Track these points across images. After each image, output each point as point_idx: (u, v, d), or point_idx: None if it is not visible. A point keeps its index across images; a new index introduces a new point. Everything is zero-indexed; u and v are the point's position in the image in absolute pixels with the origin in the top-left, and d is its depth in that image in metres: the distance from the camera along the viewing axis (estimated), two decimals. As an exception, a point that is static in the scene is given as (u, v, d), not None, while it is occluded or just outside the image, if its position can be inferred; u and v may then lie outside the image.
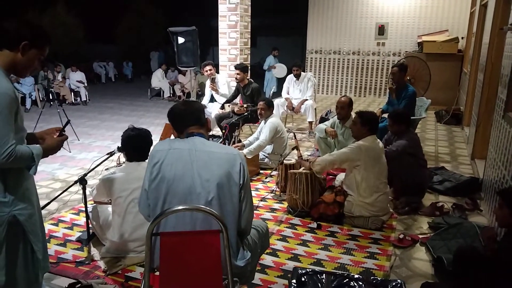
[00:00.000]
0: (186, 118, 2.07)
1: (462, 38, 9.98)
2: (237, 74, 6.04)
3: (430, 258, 3.01)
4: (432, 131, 7.46)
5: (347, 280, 2.46)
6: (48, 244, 2.52)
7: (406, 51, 10.75)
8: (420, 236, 3.32)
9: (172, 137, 2.32)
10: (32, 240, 1.91)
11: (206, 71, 6.40)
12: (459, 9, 10.34)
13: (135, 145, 3.01)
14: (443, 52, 9.56)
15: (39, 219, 2.01)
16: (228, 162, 1.95)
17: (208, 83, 6.68)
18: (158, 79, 12.63)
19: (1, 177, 1.79)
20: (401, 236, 3.27)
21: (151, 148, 2.03)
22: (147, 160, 2.07)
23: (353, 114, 4.71)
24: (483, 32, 6.37)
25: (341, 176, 3.98)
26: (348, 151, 3.53)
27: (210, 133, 5.16)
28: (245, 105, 5.91)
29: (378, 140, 3.62)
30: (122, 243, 2.86)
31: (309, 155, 5.46)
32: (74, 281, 2.57)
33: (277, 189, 4.30)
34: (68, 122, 2.26)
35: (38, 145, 1.90)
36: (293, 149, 4.45)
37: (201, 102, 6.28)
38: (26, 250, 1.92)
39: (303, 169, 3.83)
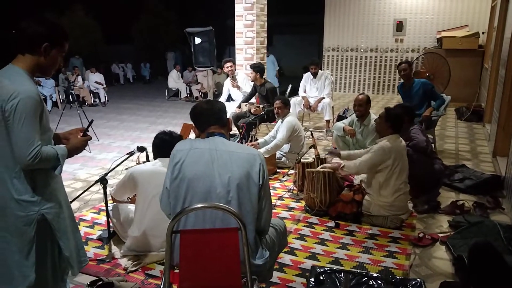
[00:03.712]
0: (208, 118, 2.09)
1: (483, 33, 9.76)
2: (250, 73, 6.08)
3: (451, 257, 2.97)
4: (452, 128, 7.34)
5: (365, 278, 2.45)
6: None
7: (425, 47, 10.58)
8: (440, 235, 3.28)
9: (192, 135, 2.34)
10: (59, 237, 1.95)
11: (227, 67, 6.45)
12: (479, 3, 10.11)
13: (165, 148, 3.04)
14: (463, 47, 9.37)
15: (69, 216, 2.04)
16: (248, 162, 1.97)
17: (227, 82, 6.71)
18: (174, 80, 12.76)
19: (30, 177, 1.84)
20: (421, 235, 3.23)
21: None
22: None
23: (371, 112, 4.70)
24: (505, 26, 6.23)
25: (359, 176, 3.95)
26: (373, 157, 3.43)
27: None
28: (261, 106, 5.92)
29: (401, 138, 3.57)
30: (142, 238, 2.89)
31: (327, 154, 5.42)
32: (95, 278, 2.62)
33: (295, 188, 4.30)
34: (91, 122, 2.29)
35: (63, 145, 1.94)
36: (310, 147, 4.44)
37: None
38: (53, 248, 1.97)
39: (321, 167, 3.83)
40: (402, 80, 5.61)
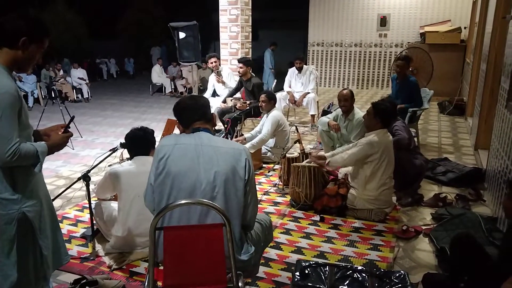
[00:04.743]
0: (192, 113, 2.07)
1: (465, 28, 9.90)
2: (240, 67, 6.03)
3: (434, 249, 3.01)
4: (435, 122, 7.44)
5: (350, 271, 2.47)
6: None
7: (408, 42, 10.68)
8: (423, 227, 3.33)
9: (177, 131, 2.32)
10: (39, 236, 1.91)
11: (211, 63, 6.41)
12: (461, -2, 10.27)
13: (138, 143, 3.02)
14: (445, 42, 9.49)
15: (49, 214, 2.01)
16: (233, 157, 1.96)
17: (212, 77, 6.67)
18: (158, 75, 12.64)
19: (10, 175, 1.79)
20: (405, 227, 3.27)
21: (157, 143, 2.03)
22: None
23: (355, 106, 4.73)
24: (486, 22, 6.32)
25: (344, 169, 3.97)
26: (360, 151, 3.44)
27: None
28: (247, 102, 5.90)
29: (388, 133, 3.59)
30: (127, 238, 2.87)
31: (312, 149, 5.46)
32: (79, 276, 2.59)
33: (280, 183, 4.30)
34: (72, 118, 2.24)
35: (43, 142, 1.90)
36: (295, 142, 4.45)
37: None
38: (35, 247, 1.93)
39: (306, 162, 3.84)
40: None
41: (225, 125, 5.48)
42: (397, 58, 5.53)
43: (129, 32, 21.00)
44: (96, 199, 3.29)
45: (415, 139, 5.24)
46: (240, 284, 1.85)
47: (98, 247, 3.02)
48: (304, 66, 6.94)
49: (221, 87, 6.62)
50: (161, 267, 1.89)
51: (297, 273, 2.48)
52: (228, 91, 6.42)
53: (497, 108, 4.09)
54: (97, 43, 21.41)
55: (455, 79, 9.43)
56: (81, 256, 2.95)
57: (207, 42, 19.43)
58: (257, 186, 3.85)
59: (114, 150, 3.32)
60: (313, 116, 6.86)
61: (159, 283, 1.84)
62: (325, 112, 6.41)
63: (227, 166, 1.94)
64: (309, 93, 6.79)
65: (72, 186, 3.51)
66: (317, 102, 6.94)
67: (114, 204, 3.10)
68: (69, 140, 2.06)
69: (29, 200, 1.86)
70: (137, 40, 20.68)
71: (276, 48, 11.61)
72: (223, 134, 5.35)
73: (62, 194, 3.59)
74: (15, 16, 1.80)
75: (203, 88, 10.37)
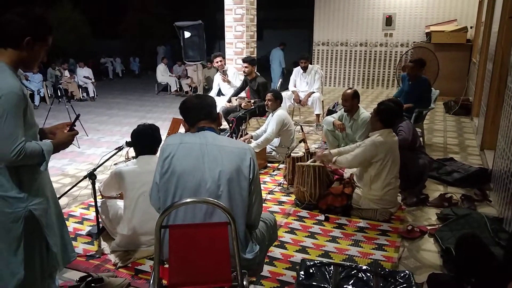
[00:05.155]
0: (198, 112, 2.08)
1: (471, 27, 9.84)
2: (245, 67, 6.03)
3: (439, 249, 3.00)
4: (440, 122, 7.40)
5: (355, 271, 2.47)
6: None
7: (414, 42, 10.64)
8: (429, 228, 3.31)
9: (182, 130, 2.33)
10: (47, 234, 1.92)
11: (217, 62, 6.42)
12: (468, -2, 10.21)
13: (145, 140, 3.03)
14: (451, 42, 9.45)
15: (55, 212, 2.02)
16: (238, 157, 1.97)
17: (217, 76, 6.68)
18: (162, 74, 12.68)
19: (15, 173, 1.80)
20: (410, 227, 3.26)
21: (162, 142, 2.04)
22: (158, 154, 2.09)
23: (360, 106, 4.71)
24: (492, 21, 6.29)
25: (350, 169, 3.97)
26: (364, 151, 3.43)
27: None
28: (252, 101, 5.91)
29: (393, 133, 3.58)
30: (132, 236, 2.89)
31: (316, 148, 5.45)
32: (85, 274, 2.61)
33: (285, 182, 4.31)
34: (78, 116, 2.25)
35: (48, 140, 1.90)
36: (300, 142, 4.45)
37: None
38: (41, 244, 1.94)
39: (311, 161, 3.84)
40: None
41: (230, 124, 5.49)
42: (409, 61, 5.51)
43: (132, 31, 21.07)
44: (101, 197, 3.31)
45: (421, 139, 5.22)
46: (245, 282, 1.86)
47: (104, 245, 3.03)
48: (309, 65, 6.94)
49: (227, 86, 6.64)
50: (166, 265, 1.90)
51: (302, 272, 2.48)
52: (233, 90, 6.43)
53: (503, 108, 4.06)
54: (101, 43, 21.47)
55: (461, 79, 9.38)
56: (87, 254, 2.96)
57: (212, 42, 19.46)
58: (261, 185, 3.85)
59: (119, 148, 3.33)
60: (318, 115, 6.85)
61: (164, 281, 1.85)
62: (330, 112, 6.40)
63: (231, 165, 1.94)
64: (314, 92, 6.78)
65: (78, 185, 3.53)
66: (322, 101, 6.93)
67: (120, 203, 3.12)
68: (75, 139, 2.07)
69: (36, 198, 1.87)
70: (140, 40, 20.74)
71: (285, 47, 11.64)
72: (228, 133, 5.36)
73: (68, 192, 3.62)
74: (17, 14, 1.78)
75: (208, 87, 10.38)
